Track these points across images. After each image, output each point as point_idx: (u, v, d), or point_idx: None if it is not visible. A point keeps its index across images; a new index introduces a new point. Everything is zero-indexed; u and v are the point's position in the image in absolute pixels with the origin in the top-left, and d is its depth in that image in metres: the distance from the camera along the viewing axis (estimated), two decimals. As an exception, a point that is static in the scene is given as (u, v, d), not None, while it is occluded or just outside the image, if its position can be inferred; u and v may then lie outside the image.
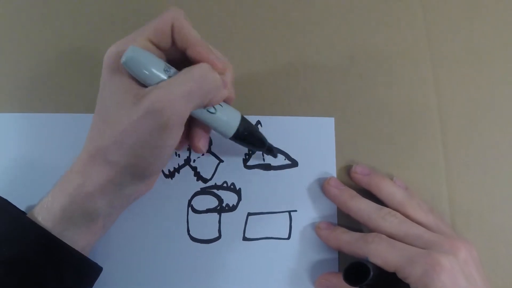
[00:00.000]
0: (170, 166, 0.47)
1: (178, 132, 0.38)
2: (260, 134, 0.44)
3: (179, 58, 0.39)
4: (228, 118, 0.40)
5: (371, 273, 0.37)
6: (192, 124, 0.42)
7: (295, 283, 0.45)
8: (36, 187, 0.43)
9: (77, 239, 0.39)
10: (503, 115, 0.50)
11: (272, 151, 0.45)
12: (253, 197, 0.47)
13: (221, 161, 0.48)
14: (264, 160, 0.48)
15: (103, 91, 0.39)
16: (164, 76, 0.36)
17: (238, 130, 0.41)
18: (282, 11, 0.52)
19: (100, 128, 0.39)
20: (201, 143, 0.42)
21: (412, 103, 0.50)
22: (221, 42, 0.51)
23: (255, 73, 0.50)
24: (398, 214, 0.42)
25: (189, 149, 0.48)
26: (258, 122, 0.48)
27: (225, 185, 0.47)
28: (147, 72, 0.36)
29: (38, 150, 0.47)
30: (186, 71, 0.37)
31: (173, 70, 0.37)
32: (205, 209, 0.47)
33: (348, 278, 0.38)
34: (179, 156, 0.48)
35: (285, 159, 0.48)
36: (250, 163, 0.48)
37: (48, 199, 0.39)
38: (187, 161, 0.48)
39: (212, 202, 0.47)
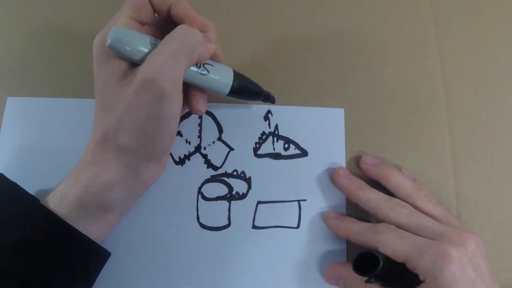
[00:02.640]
0: (181, 153, 0.47)
1: (177, 98, 0.37)
2: (255, 85, 0.44)
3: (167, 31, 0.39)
4: (221, 77, 0.41)
5: (381, 263, 0.37)
6: (187, 88, 0.42)
7: (303, 273, 0.45)
8: (46, 172, 0.44)
9: (92, 229, 0.39)
10: (510, 108, 0.51)
11: (269, 98, 0.45)
12: (263, 185, 0.47)
13: (231, 149, 0.48)
14: (274, 149, 0.48)
15: (98, 81, 0.39)
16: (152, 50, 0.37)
17: (232, 86, 0.41)
18: (293, 2, 0.52)
19: (102, 116, 0.39)
20: (200, 104, 0.42)
21: (420, 96, 0.50)
22: (232, 32, 0.51)
23: (266, 62, 0.51)
24: (407, 205, 0.43)
25: (199, 137, 0.48)
26: (269, 112, 0.48)
27: (235, 173, 0.47)
28: (134, 50, 0.36)
29: (47, 134, 0.47)
30: (166, 37, 0.37)
31: (159, 42, 0.37)
32: (215, 196, 0.47)
33: (357, 268, 0.38)
34: (189, 143, 0.47)
35: (295, 149, 0.48)
36: (260, 151, 0.48)
37: (62, 188, 0.39)
38: (198, 149, 0.48)
39: (222, 190, 0.47)
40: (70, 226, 0.38)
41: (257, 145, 0.48)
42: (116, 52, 0.37)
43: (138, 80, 0.36)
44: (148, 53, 0.36)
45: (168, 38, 0.37)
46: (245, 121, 0.48)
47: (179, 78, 0.37)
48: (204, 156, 0.47)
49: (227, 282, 0.45)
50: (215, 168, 0.47)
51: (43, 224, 0.37)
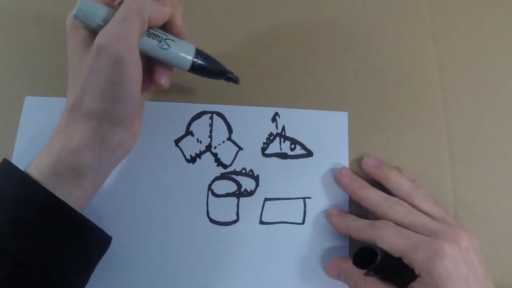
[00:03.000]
0: (192, 151, 0.49)
1: (134, 62, 0.38)
2: (217, 63, 0.44)
3: None
4: (182, 52, 0.42)
5: (379, 257, 0.38)
6: (151, 63, 0.43)
7: (307, 267, 0.46)
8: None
9: (67, 195, 0.39)
10: (505, 112, 0.52)
11: (232, 78, 0.45)
12: (270, 183, 0.48)
13: (240, 148, 0.49)
14: (281, 149, 0.49)
15: (69, 52, 0.41)
16: None
17: (194, 62, 0.42)
18: (300, 12, 0.55)
19: (72, 86, 0.41)
20: (163, 79, 0.43)
21: (420, 102, 0.52)
22: (240, 36, 0.54)
23: (275, 68, 0.52)
24: (405, 204, 0.44)
25: (210, 136, 0.49)
26: (276, 114, 0.50)
27: (243, 171, 0.49)
28: (95, 20, 0.39)
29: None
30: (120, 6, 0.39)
31: None
32: (224, 193, 0.48)
33: (357, 261, 0.39)
34: (200, 143, 0.49)
35: (300, 149, 0.49)
36: (268, 151, 0.49)
37: (37, 160, 0.40)
38: (208, 148, 0.49)
39: (231, 187, 0.48)
40: (68, 206, 0.38)
41: (265, 145, 0.49)
42: (81, 22, 0.39)
43: (94, 47, 0.37)
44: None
45: (120, 7, 0.39)
46: (253, 122, 0.50)
47: (133, 40, 0.38)
48: (215, 155, 0.49)
49: (234, 274, 0.46)
50: (225, 166, 0.49)
51: (40, 203, 0.38)
